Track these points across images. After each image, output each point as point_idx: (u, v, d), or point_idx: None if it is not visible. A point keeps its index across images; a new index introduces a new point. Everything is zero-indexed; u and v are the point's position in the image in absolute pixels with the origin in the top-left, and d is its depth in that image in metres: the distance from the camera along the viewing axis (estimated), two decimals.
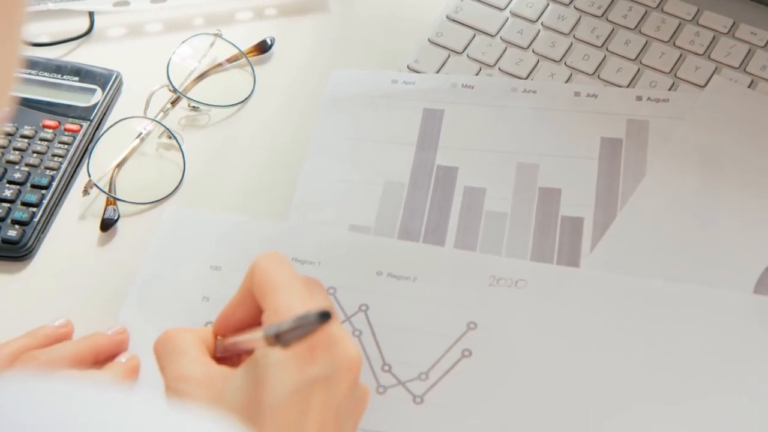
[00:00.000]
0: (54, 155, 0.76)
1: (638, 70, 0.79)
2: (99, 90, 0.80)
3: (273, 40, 0.84)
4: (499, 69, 0.81)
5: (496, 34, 0.83)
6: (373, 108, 0.79)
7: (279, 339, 0.51)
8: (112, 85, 0.80)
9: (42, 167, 0.76)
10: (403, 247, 0.71)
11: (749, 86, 0.78)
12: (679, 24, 0.81)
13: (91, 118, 0.79)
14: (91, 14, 0.86)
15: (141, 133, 0.78)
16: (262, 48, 0.84)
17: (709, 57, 0.80)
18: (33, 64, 0.81)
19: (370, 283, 0.70)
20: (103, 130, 0.78)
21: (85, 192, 0.75)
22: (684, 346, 0.66)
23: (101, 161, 0.76)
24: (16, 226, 0.73)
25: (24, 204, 0.74)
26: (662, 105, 0.77)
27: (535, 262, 0.70)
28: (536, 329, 0.67)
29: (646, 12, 0.82)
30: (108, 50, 0.85)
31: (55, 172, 0.76)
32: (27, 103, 0.79)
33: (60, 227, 0.75)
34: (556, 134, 0.77)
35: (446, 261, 0.71)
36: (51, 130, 0.78)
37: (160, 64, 0.81)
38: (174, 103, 0.80)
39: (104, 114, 0.80)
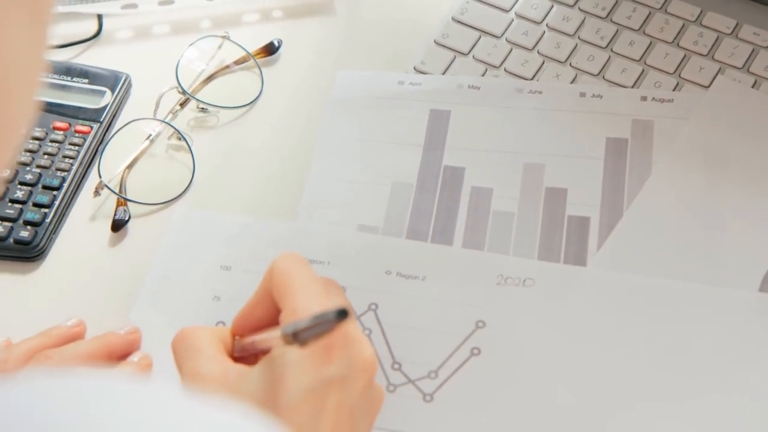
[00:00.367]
0: (65, 157, 0.77)
1: (643, 70, 0.80)
2: (108, 92, 0.81)
3: (280, 42, 0.85)
4: (505, 70, 0.82)
5: (502, 35, 0.83)
6: (379, 109, 0.80)
7: (296, 337, 0.51)
8: (121, 87, 0.81)
9: (53, 168, 0.76)
10: (412, 247, 0.72)
11: (753, 86, 0.79)
12: (683, 25, 0.82)
13: (101, 119, 0.79)
14: (99, 17, 0.86)
15: (150, 135, 0.79)
16: (270, 50, 0.85)
17: (712, 57, 0.80)
18: None
19: (380, 282, 0.70)
20: (113, 132, 0.79)
21: (96, 193, 0.76)
22: (690, 345, 0.67)
23: (111, 163, 0.77)
24: (28, 227, 0.74)
25: (36, 205, 0.75)
26: (667, 105, 0.78)
27: (542, 261, 0.71)
28: (544, 327, 0.68)
29: (650, 13, 0.83)
30: (116, 52, 0.85)
31: (66, 173, 0.76)
32: None
33: (71, 228, 0.75)
34: (562, 134, 0.77)
35: (454, 260, 0.71)
36: (61, 132, 0.78)
37: (167, 66, 0.82)
38: (183, 104, 0.81)
39: (114, 116, 0.80)
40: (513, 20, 0.84)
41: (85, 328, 0.69)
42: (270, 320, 0.57)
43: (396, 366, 0.67)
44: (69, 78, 0.81)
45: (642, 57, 0.81)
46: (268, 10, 0.88)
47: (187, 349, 0.57)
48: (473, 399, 0.65)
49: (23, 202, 0.75)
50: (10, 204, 0.75)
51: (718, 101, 0.77)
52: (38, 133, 0.78)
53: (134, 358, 0.67)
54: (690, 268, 0.70)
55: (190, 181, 0.78)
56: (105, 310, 0.71)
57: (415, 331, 0.68)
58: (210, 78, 0.83)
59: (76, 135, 0.78)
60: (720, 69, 0.80)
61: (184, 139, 0.79)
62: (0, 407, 0.33)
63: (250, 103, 0.82)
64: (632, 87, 0.80)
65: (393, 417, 0.65)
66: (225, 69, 0.84)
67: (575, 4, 0.84)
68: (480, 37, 0.83)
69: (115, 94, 0.81)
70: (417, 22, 0.86)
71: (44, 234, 0.74)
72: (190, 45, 0.83)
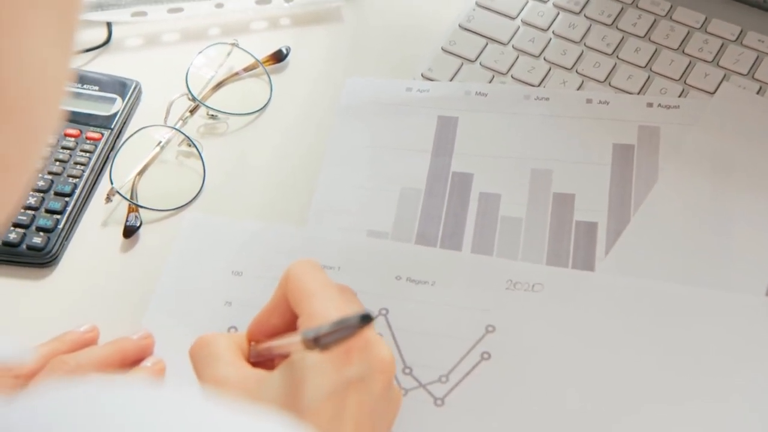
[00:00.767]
0: (76, 163, 0.78)
1: (648, 77, 0.81)
2: (119, 99, 0.81)
3: (288, 49, 0.86)
4: (512, 77, 0.82)
5: (509, 42, 0.84)
6: (388, 115, 0.81)
7: (318, 342, 0.52)
8: (131, 95, 0.82)
9: (65, 175, 0.77)
10: (421, 252, 0.73)
11: (758, 92, 0.79)
12: (688, 32, 0.83)
13: (112, 126, 0.80)
14: (109, 25, 0.87)
15: (161, 141, 0.80)
16: (278, 57, 0.86)
17: (717, 64, 0.81)
18: None
19: (390, 287, 0.71)
20: (124, 139, 0.80)
21: (108, 199, 0.76)
22: (697, 349, 0.67)
23: (123, 169, 0.78)
24: (41, 233, 0.74)
25: (48, 211, 0.75)
26: (673, 111, 0.79)
27: (551, 267, 0.72)
28: (553, 332, 0.68)
29: (655, 20, 0.84)
30: (126, 60, 0.86)
31: (77, 179, 0.77)
32: None
33: (83, 234, 0.76)
34: (569, 141, 0.78)
35: (464, 265, 0.72)
36: (73, 139, 0.79)
37: (177, 73, 0.83)
38: (193, 111, 0.81)
39: (124, 123, 0.81)
40: (519, 27, 0.85)
41: (98, 333, 0.70)
42: (286, 326, 0.58)
43: (407, 370, 0.68)
44: (80, 85, 0.82)
45: (648, 64, 0.82)
46: (276, 17, 0.89)
47: (206, 355, 0.57)
48: (484, 403, 0.66)
49: (35, 209, 0.75)
50: (22, 210, 0.75)
51: (723, 108, 0.78)
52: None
53: (147, 363, 0.68)
54: (697, 273, 0.71)
55: (201, 188, 0.78)
56: (117, 316, 0.71)
57: (425, 335, 0.69)
58: (219, 85, 0.84)
59: (87, 142, 0.79)
60: (725, 75, 0.80)
61: (195, 146, 0.79)
62: (23, 420, 0.33)
63: (260, 109, 0.83)
64: (638, 93, 0.80)
65: (404, 421, 0.65)
66: (234, 76, 0.85)
67: (581, 11, 0.85)
68: (487, 44, 0.84)
69: (126, 101, 0.81)
70: (424, 29, 0.86)
71: (56, 240, 0.74)
72: (200, 52, 0.84)
